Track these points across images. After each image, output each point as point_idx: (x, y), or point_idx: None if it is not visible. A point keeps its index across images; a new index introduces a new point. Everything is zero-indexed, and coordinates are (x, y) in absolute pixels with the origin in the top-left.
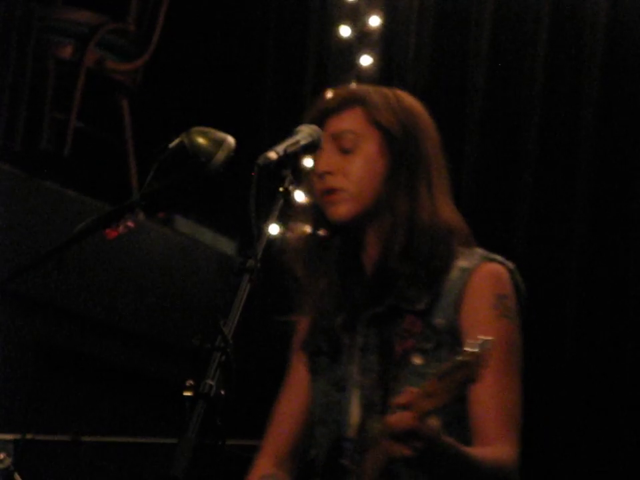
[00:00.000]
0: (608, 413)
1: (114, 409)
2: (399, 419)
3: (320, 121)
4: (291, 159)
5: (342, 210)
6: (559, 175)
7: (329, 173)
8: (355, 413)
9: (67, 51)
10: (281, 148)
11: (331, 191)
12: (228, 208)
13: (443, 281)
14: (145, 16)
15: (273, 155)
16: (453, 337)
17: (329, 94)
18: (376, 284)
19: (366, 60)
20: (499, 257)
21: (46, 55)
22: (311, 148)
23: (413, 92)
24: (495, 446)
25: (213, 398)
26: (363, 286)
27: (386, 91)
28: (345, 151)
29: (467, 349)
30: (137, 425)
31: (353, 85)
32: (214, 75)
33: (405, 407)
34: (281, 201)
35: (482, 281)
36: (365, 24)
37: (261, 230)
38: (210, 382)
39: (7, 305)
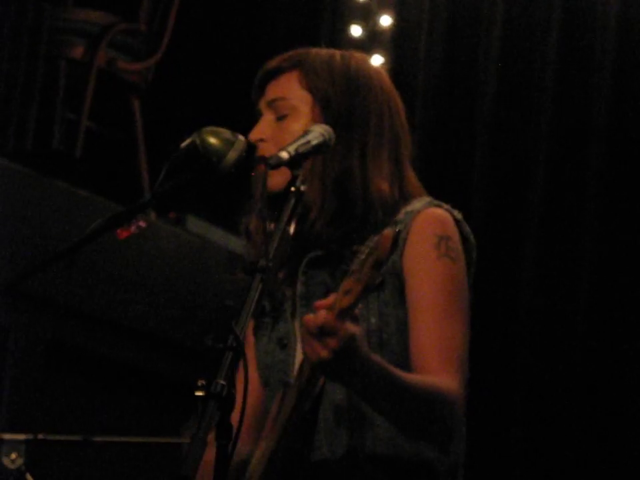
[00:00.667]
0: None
1: (125, 409)
2: (314, 316)
3: (262, 88)
4: (302, 159)
5: (274, 181)
6: (569, 175)
7: (261, 140)
8: (298, 362)
9: (78, 51)
10: (292, 147)
11: (261, 160)
12: (239, 207)
13: (388, 224)
14: (156, 15)
15: (284, 154)
16: (397, 277)
17: (273, 57)
18: (312, 240)
19: (377, 60)
20: (445, 205)
21: (57, 55)
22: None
23: (424, 91)
24: (432, 374)
25: (224, 398)
26: (298, 240)
27: (334, 53)
28: (279, 118)
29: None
30: (148, 424)
31: (298, 49)
32: (225, 75)
33: (325, 308)
34: (293, 201)
35: (424, 222)
36: (376, 23)
37: (273, 229)
38: (222, 382)
39: (18, 304)
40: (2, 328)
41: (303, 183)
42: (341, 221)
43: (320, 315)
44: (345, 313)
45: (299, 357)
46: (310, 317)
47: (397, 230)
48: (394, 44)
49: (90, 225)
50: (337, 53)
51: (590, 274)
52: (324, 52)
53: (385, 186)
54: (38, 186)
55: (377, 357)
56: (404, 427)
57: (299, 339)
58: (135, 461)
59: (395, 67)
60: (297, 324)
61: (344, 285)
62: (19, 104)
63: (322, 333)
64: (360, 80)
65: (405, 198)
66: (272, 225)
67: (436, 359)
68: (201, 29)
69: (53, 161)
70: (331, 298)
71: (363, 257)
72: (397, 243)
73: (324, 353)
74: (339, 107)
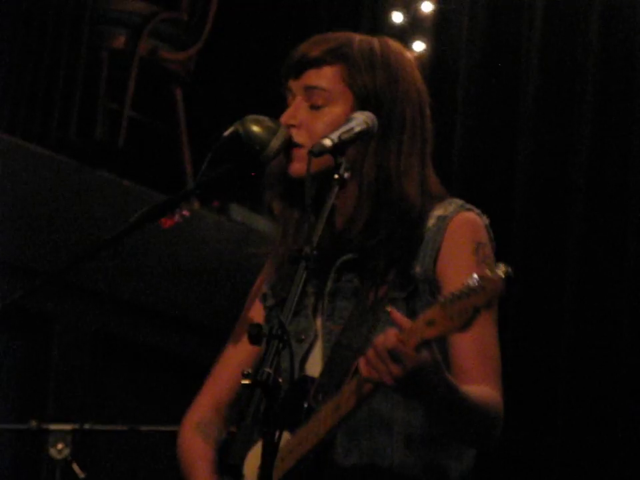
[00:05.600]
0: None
1: (171, 398)
2: (384, 338)
3: (298, 71)
4: (346, 146)
5: (299, 167)
6: (612, 161)
7: (293, 125)
8: (315, 357)
9: (120, 41)
10: (335, 135)
11: (292, 145)
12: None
13: (421, 230)
14: (198, 5)
15: (327, 142)
16: (430, 284)
17: (314, 41)
18: (344, 242)
19: (419, 46)
20: (475, 209)
21: (99, 45)
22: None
23: (466, 77)
24: (480, 386)
25: (270, 386)
26: (332, 238)
27: (375, 45)
28: (315, 107)
29: (482, 275)
30: None
31: (339, 35)
32: (267, 63)
33: (400, 329)
34: (337, 188)
35: (460, 227)
36: (417, 10)
37: (317, 217)
38: (268, 370)
39: (63, 295)
40: (47, 318)
41: (346, 170)
42: (374, 226)
43: (388, 338)
44: (425, 344)
45: (314, 353)
46: (379, 338)
47: (507, 276)
48: (435, 30)
49: (134, 215)
50: (376, 45)
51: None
52: (365, 44)
53: (414, 191)
54: (81, 176)
55: (447, 381)
56: (459, 438)
57: (319, 336)
58: None
59: (437, 53)
60: (318, 321)
61: (428, 314)
62: (62, 95)
63: (390, 357)
64: (399, 78)
65: (431, 199)
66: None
67: (479, 369)
68: (243, 17)
69: (96, 151)
70: (407, 322)
71: (458, 293)
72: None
73: (386, 378)
74: (378, 106)
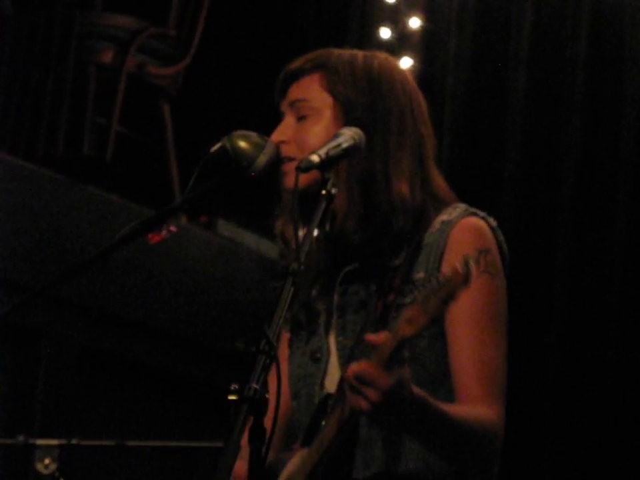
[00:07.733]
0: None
1: (158, 413)
2: (355, 367)
3: (284, 90)
4: (333, 162)
5: (292, 180)
6: (600, 177)
7: (282, 142)
8: (333, 374)
9: (107, 56)
10: (323, 151)
11: (284, 160)
12: (270, 211)
13: (423, 235)
14: (185, 20)
15: (315, 157)
16: None
17: (296, 58)
18: (344, 249)
19: (406, 62)
20: (480, 212)
21: (87, 60)
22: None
23: (453, 93)
24: (476, 405)
25: (257, 401)
26: (333, 251)
27: (356, 54)
28: (301, 118)
29: (448, 269)
30: (182, 428)
31: (320, 49)
32: (254, 78)
33: (375, 344)
34: (324, 204)
35: (463, 234)
36: (405, 25)
37: (304, 233)
38: (255, 385)
39: (51, 309)
40: (35, 333)
41: (333, 185)
42: (367, 226)
43: (360, 367)
44: (405, 342)
45: (331, 370)
46: (350, 368)
47: (468, 268)
48: (423, 46)
49: (121, 230)
50: (360, 54)
51: (622, 280)
52: (346, 53)
53: (405, 188)
54: (69, 191)
55: (423, 398)
56: (445, 457)
57: (332, 353)
58: (168, 465)
59: (424, 69)
60: (330, 338)
61: (406, 313)
62: (49, 109)
63: (360, 383)
64: (382, 81)
65: (437, 202)
66: (302, 229)
67: (478, 387)
68: (230, 32)
69: (84, 166)
70: (382, 335)
71: (430, 287)
72: (468, 278)
73: (364, 405)
74: (360, 109)
